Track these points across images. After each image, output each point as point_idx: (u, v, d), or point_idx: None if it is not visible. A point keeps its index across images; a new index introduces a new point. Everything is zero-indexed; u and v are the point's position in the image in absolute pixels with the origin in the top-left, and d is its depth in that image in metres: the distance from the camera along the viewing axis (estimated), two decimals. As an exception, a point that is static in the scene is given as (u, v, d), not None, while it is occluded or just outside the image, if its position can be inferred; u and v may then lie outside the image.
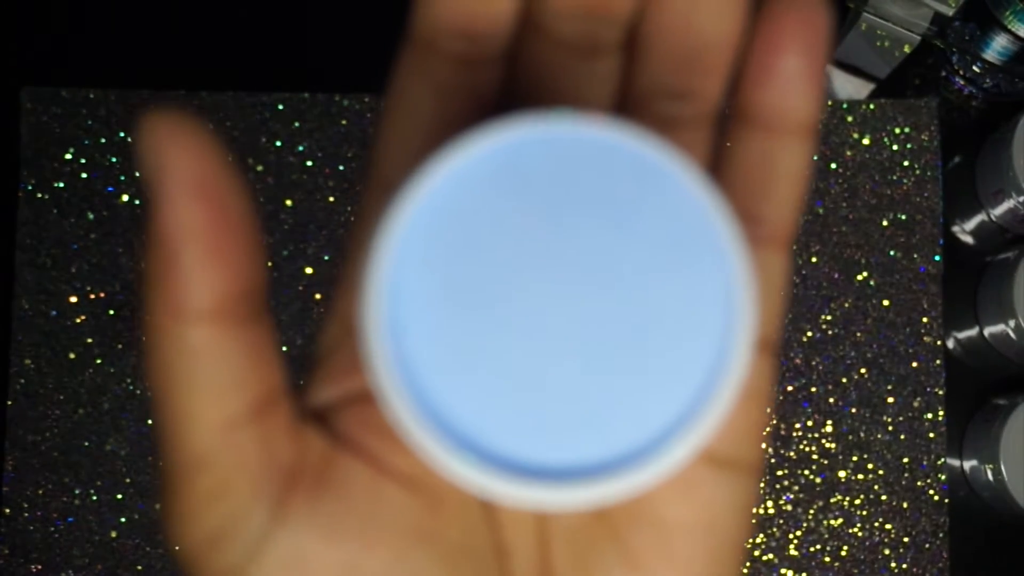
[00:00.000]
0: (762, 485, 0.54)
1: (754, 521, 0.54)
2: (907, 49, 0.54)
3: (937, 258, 0.54)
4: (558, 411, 0.18)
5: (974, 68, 0.56)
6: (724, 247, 0.17)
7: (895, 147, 0.55)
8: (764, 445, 0.22)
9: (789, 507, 0.54)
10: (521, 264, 0.18)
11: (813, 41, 0.21)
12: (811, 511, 0.54)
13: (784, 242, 0.22)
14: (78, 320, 0.53)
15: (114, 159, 0.54)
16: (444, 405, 0.18)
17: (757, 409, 0.22)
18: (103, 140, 0.54)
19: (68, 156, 0.54)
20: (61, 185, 0.54)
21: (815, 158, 0.54)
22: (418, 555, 0.20)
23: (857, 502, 0.54)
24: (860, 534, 0.54)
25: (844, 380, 0.54)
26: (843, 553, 0.54)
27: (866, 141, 0.55)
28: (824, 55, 0.22)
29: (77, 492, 0.53)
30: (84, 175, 0.54)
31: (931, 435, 0.54)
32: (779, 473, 0.54)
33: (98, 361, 0.53)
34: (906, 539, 0.54)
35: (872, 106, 0.55)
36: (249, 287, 0.19)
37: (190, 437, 0.19)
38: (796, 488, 0.54)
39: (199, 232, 0.18)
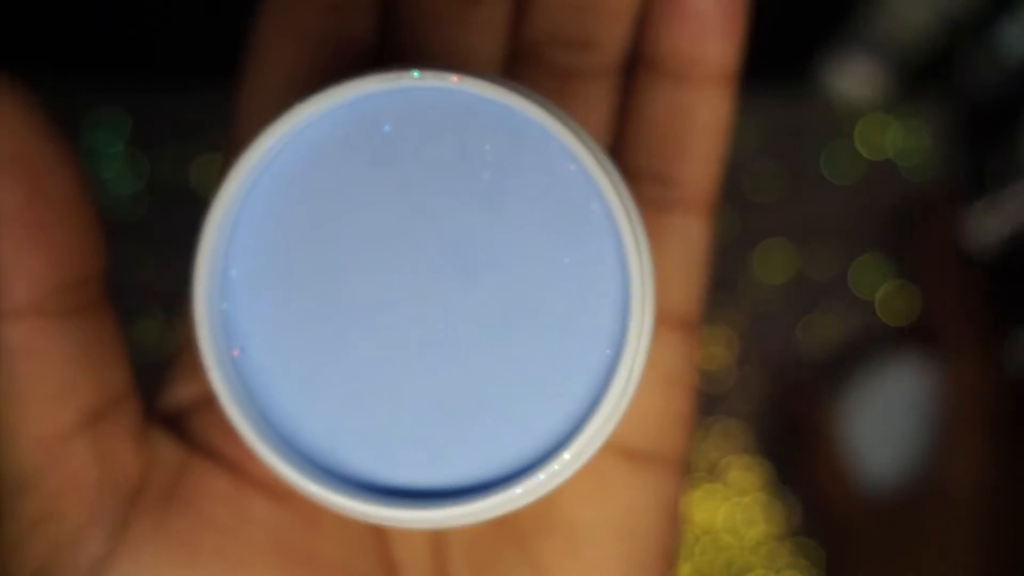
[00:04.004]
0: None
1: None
2: (919, 47, 0.53)
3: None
4: (424, 420, 0.15)
5: (985, 66, 0.55)
6: (613, 220, 0.15)
7: (904, 146, 0.54)
8: (688, 436, 0.19)
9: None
10: (377, 247, 0.15)
11: None
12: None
13: (702, 206, 0.19)
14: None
15: (118, 157, 0.54)
16: (292, 416, 0.15)
17: (677, 395, 0.19)
18: (107, 138, 0.54)
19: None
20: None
21: (815, 162, 0.53)
22: None
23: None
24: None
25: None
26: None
27: (874, 140, 0.54)
28: None
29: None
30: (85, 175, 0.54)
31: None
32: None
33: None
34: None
35: (881, 104, 0.54)
36: (80, 275, 0.16)
37: (11, 454, 0.16)
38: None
39: (14, 216, 0.15)
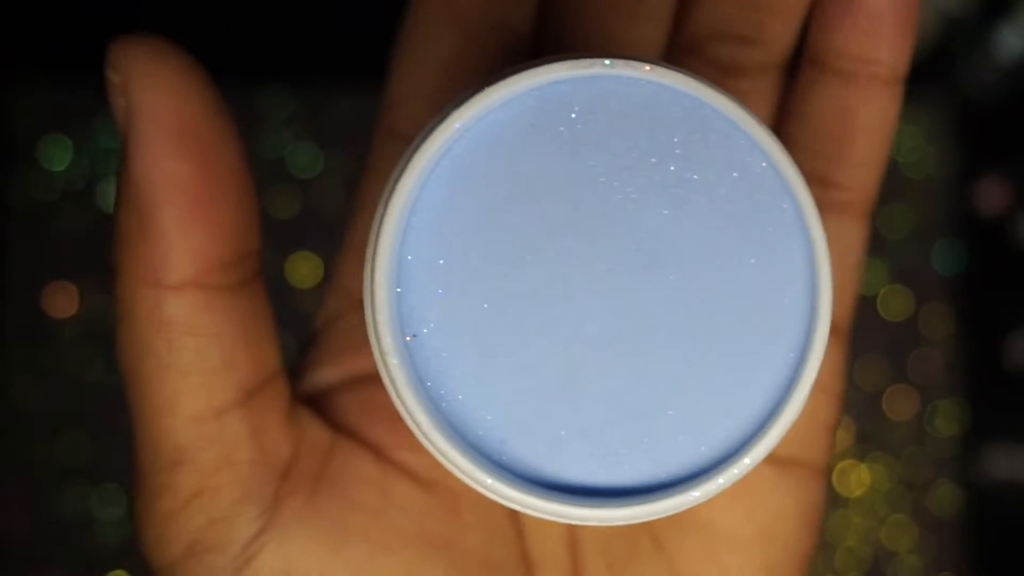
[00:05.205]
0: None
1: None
2: (917, 47, 0.53)
3: (948, 259, 0.54)
4: (598, 417, 0.15)
5: (983, 65, 0.55)
6: (801, 222, 0.14)
7: (904, 145, 0.54)
8: (832, 444, 0.19)
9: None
10: (557, 238, 0.15)
11: None
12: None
13: (862, 210, 0.19)
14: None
15: (118, 156, 0.54)
16: (462, 406, 0.15)
17: (825, 403, 0.19)
18: (107, 137, 0.54)
19: (68, 154, 0.54)
20: (60, 184, 0.53)
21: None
22: (433, 565, 0.18)
23: (866, 506, 0.54)
24: (868, 538, 0.53)
25: (852, 384, 0.54)
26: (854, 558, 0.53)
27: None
28: None
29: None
30: (84, 174, 0.54)
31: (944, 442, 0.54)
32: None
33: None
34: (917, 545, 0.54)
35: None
36: (242, 251, 0.16)
37: (169, 427, 0.16)
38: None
39: (181, 187, 0.15)
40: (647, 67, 0.14)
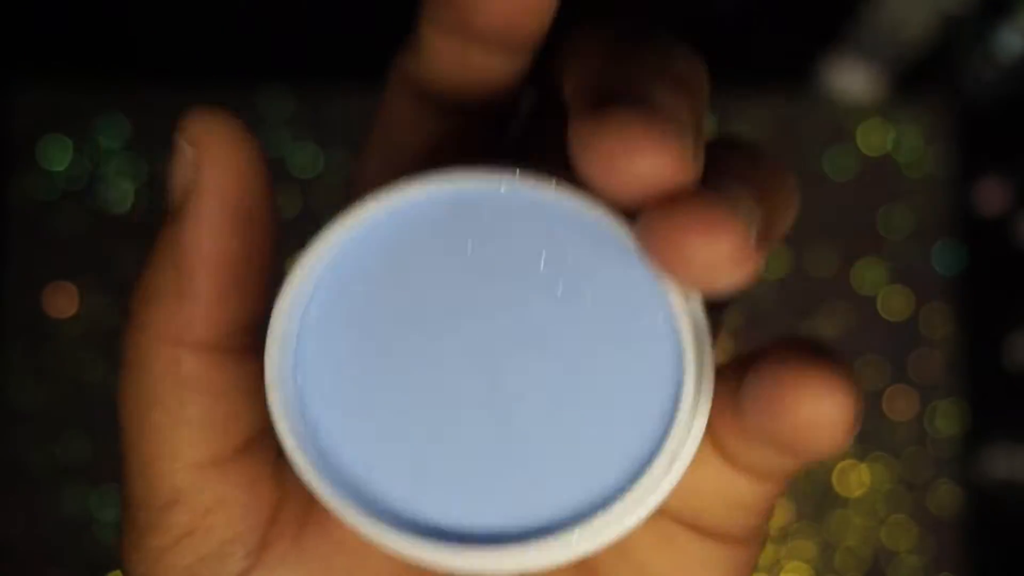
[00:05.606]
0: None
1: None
2: (917, 47, 0.53)
3: (948, 259, 0.54)
4: (462, 466, 0.16)
5: (985, 66, 0.55)
6: (673, 329, 0.16)
7: (904, 145, 0.54)
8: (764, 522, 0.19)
9: (794, 509, 0.53)
10: (448, 325, 0.16)
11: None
12: (815, 516, 0.53)
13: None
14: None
15: (118, 156, 0.54)
16: (338, 441, 0.16)
17: (742, 486, 0.18)
18: (107, 137, 0.54)
19: (68, 154, 0.54)
20: (60, 184, 0.53)
21: (816, 160, 0.53)
22: None
23: (867, 506, 0.54)
24: (868, 538, 0.53)
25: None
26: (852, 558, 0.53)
27: (875, 139, 0.54)
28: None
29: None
30: (84, 174, 0.53)
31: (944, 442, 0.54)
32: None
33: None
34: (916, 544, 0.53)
35: (881, 104, 0.54)
36: (260, 317, 0.17)
37: (169, 471, 0.17)
38: (803, 493, 0.53)
39: (225, 262, 0.16)
40: (553, 184, 0.16)
